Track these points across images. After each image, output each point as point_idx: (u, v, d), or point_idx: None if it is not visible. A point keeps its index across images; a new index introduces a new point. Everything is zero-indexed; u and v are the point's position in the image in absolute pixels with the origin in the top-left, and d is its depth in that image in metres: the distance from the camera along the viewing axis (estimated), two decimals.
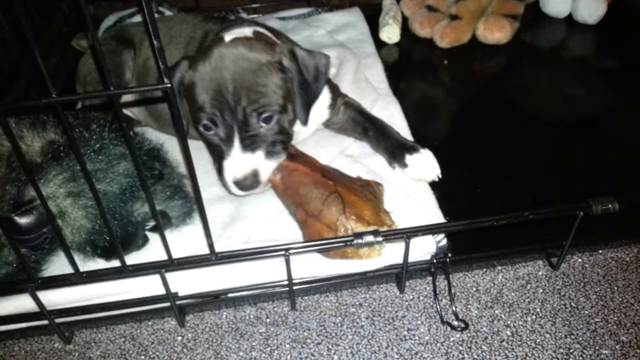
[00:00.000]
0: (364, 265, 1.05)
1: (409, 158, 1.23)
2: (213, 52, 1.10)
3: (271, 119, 1.10)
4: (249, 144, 1.09)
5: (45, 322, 1.02)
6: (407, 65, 1.82)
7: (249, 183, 1.09)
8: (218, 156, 1.13)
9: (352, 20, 1.91)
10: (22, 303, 1.03)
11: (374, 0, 2.08)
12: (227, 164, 1.10)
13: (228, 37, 1.14)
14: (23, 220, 0.96)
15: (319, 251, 1.04)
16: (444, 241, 1.09)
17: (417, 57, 1.86)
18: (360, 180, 1.16)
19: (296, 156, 1.17)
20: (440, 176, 1.23)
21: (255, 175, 1.09)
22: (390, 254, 1.06)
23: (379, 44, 1.84)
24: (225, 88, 1.06)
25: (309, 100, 1.17)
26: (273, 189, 1.16)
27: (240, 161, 1.09)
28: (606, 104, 1.62)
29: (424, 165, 1.22)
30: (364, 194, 1.08)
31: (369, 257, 1.04)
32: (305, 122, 1.19)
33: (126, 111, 1.49)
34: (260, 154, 1.09)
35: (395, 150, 1.26)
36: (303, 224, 1.09)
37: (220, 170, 1.13)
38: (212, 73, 1.07)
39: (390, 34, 1.87)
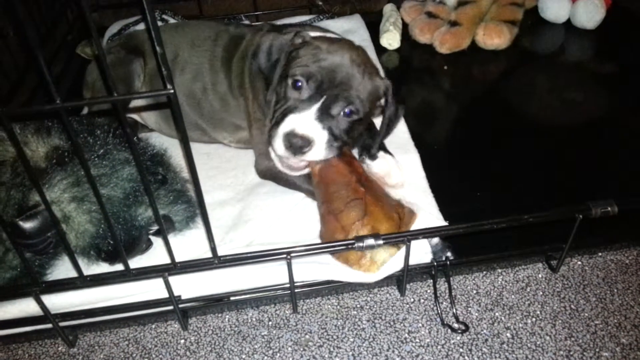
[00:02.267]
0: (361, 277, 1.06)
1: (382, 154, 1.27)
2: (343, 44, 1.20)
3: (350, 116, 1.14)
4: (323, 119, 1.12)
5: (49, 325, 1.03)
6: (407, 70, 1.84)
7: (299, 144, 1.10)
8: (284, 111, 1.14)
9: (353, 26, 1.93)
10: (26, 307, 1.04)
11: (374, 7, 2.10)
12: (295, 117, 1.11)
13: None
14: (27, 225, 0.97)
15: (323, 253, 1.05)
16: (437, 239, 1.10)
17: (417, 62, 1.88)
18: (395, 201, 1.16)
19: (343, 155, 1.18)
20: (403, 186, 1.25)
21: (308, 144, 1.10)
22: (387, 269, 1.06)
23: (380, 50, 1.86)
24: (341, 70, 1.14)
25: (383, 135, 1.25)
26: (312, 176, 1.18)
27: (308, 122, 1.11)
28: (605, 108, 1.63)
29: (393, 167, 1.25)
30: (390, 212, 1.09)
31: (368, 270, 1.05)
32: (375, 154, 1.26)
33: (134, 116, 1.50)
34: (326, 134, 1.12)
35: (371, 148, 1.28)
36: (323, 220, 1.12)
37: (278, 123, 1.13)
38: (336, 57, 1.15)
39: (391, 40, 1.89)
